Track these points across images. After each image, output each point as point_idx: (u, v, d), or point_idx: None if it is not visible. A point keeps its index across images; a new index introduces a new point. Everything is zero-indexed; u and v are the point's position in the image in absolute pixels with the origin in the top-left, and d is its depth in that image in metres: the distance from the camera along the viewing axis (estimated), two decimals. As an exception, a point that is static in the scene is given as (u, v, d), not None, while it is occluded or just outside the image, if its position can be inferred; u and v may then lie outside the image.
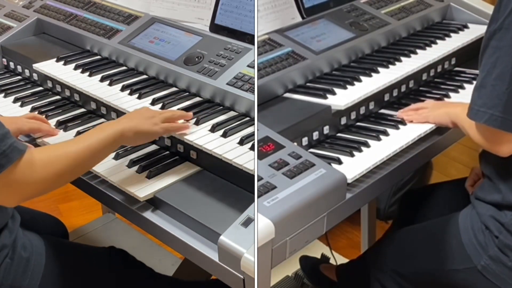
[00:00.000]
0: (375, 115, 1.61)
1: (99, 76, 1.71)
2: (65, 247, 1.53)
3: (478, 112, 1.33)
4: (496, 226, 1.41)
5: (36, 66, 1.80)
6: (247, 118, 1.48)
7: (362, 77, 1.62)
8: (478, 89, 1.34)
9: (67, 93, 1.76)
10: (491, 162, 1.44)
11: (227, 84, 1.53)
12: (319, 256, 2.32)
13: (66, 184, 1.30)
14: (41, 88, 1.85)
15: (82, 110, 1.71)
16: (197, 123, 1.46)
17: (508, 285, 1.41)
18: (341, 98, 1.52)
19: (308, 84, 1.62)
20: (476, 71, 1.79)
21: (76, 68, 1.77)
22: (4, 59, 1.98)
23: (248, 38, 1.64)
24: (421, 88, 1.75)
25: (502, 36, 1.28)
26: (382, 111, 1.64)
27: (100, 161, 1.33)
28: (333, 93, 1.54)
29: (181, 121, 1.45)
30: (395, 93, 1.68)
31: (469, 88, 1.71)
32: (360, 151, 1.42)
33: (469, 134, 1.44)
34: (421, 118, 1.54)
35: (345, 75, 1.64)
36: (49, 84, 1.82)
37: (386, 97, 1.65)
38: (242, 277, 1.13)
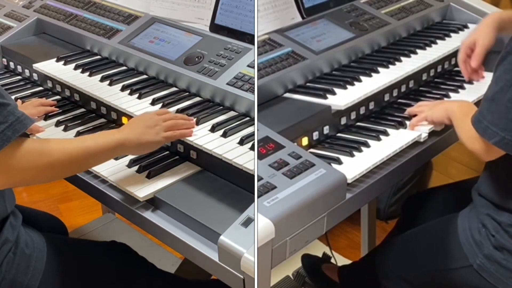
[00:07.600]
0: (375, 115, 1.61)
1: (99, 76, 1.71)
2: (65, 243, 1.54)
3: (488, 129, 1.29)
4: (493, 225, 1.41)
5: (36, 66, 1.80)
6: (247, 118, 1.48)
7: (362, 77, 1.62)
8: (489, 102, 1.30)
9: (67, 93, 1.76)
10: (501, 165, 1.40)
11: (227, 84, 1.53)
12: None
13: (56, 179, 1.32)
14: (41, 88, 1.85)
15: (82, 110, 1.71)
16: (197, 123, 1.46)
17: (504, 284, 1.41)
18: (341, 98, 1.52)
19: (308, 84, 1.62)
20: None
21: (76, 68, 1.77)
22: (4, 59, 1.99)
23: (248, 38, 1.64)
24: (421, 88, 1.75)
25: None
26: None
27: (96, 165, 1.35)
28: (333, 93, 1.54)
29: None
30: (395, 93, 1.68)
31: (469, 88, 1.71)
32: (360, 151, 1.42)
33: (460, 136, 1.42)
34: (420, 119, 1.53)
35: (345, 75, 1.64)
36: (49, 84, 1.82)
37: (386, 97, 1.65)
38: (242, 277, 1.14)
